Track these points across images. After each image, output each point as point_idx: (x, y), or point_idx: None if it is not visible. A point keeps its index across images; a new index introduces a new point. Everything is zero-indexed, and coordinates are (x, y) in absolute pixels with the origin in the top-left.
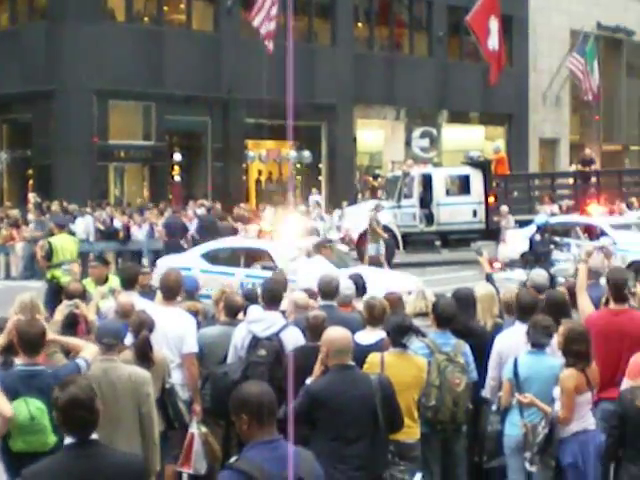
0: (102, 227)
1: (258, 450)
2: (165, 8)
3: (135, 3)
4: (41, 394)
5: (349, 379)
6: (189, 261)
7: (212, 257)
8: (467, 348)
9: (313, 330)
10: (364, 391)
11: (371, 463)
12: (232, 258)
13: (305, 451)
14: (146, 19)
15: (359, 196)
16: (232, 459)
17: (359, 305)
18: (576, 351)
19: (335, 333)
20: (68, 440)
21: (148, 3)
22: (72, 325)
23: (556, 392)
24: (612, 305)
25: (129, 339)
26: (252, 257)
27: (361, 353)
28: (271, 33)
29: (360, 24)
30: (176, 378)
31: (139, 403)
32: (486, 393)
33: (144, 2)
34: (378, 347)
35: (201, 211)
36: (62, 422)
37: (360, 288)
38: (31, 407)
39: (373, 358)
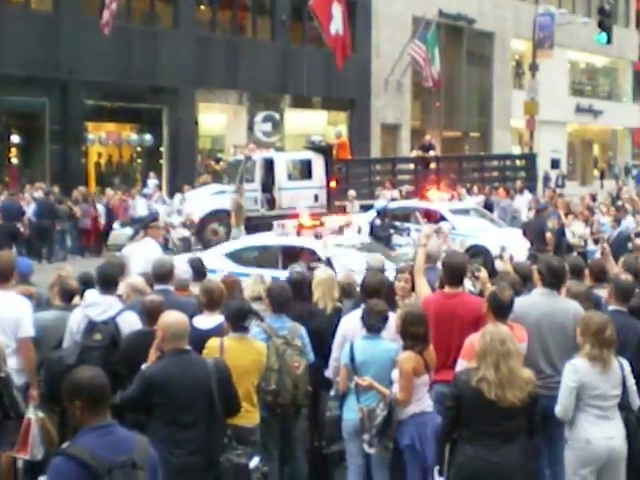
0: None
1: (91, 435)
2: None
3: None
4: None
5: (184, 363)
6: (211, 262)
7: (238, 257)
8: (303, 331)
9: (149, 314)
10: (200, 375)
11: (207, 447)
12: (264, 258)
13: (139, 436)
14: None
15: (200, 180)
16: (64, 444)
17: (195, 289)
18: (414, 333)
19: (171, 317)
20: None
21: None
22: None
23: (394, 375)
24: (447, 288)
25: None
26: (291, 256)
27: (200, 338)
28: (111, 14)
29: (203, 6)
30: (12, 364)
31: None
32: (329, 373)
33: None
34: (217, 331)
35: (39, 194)
36: None
37: (199, 273)
38: None
39: (212, 343)
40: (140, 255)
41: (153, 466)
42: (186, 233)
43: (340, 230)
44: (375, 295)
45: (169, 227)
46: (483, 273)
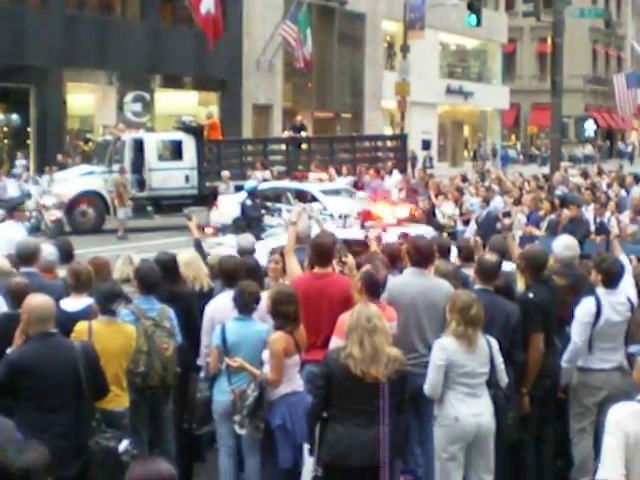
0: None
1: None
2: None
3: None
4: None
5: (50, 347)
6: (259, 258)
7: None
8: (172, 312)
9: (15, 297)
10: (66, 359)
11: (75, 431)
12: None
13: (5, 420)
14: None
15: (69, 161)
16: None
17: (62, 272)
18: (284, 313)
19: (36, 300)
20: None
21: None
22: None
23: (265, 355)
24: (316, 269)
25: None
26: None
27: (68, 321)
28: None
29: None
30: None
31: None
32: (201, 361)
33: None
34: (85, 314)
35: None
36: None
37: (66, 255)
38: None
39: (81, 326)
40: (2, 237)
41: None
42: (59, 214)
43: (398, 223)
44: (233, 279)
45: (42, 208)
46: (349, 259)
